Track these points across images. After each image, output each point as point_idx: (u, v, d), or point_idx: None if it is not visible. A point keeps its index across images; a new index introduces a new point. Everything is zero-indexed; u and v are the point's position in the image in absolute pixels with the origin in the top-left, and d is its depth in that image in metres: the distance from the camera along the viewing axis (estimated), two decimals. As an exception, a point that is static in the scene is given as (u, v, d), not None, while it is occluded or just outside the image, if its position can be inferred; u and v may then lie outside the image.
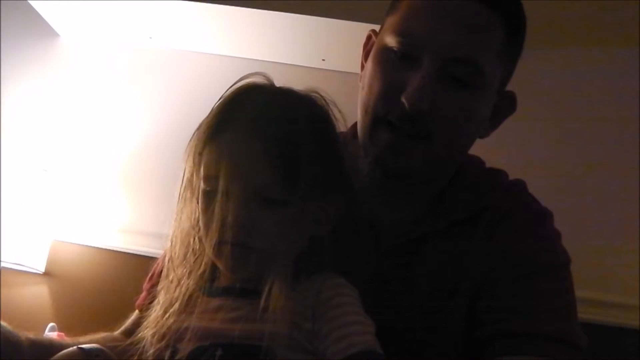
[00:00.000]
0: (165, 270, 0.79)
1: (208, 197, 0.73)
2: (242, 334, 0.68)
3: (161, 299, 0.77)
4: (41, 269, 1.89)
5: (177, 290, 0.76)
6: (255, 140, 0.71)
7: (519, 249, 0.87)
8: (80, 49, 2.18)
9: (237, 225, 0.70)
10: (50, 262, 1.92)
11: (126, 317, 0.98)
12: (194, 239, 0.77)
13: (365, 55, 0.93)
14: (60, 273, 1.95)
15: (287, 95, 0.78)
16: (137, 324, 0.91)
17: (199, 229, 0.75)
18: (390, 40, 0.84)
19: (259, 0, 1.83)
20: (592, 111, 1.94)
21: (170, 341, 0.72)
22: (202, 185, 0.74)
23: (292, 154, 0.71)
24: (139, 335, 0.77)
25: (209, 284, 0.76)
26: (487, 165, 0.99)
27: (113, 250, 1.95)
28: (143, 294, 0.94)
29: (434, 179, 0.90)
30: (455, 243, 0.88)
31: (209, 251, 0.74)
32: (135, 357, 0.76)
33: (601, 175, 1.88)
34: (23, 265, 1.85)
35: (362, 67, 0.93)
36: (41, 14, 2.07)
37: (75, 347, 0.74)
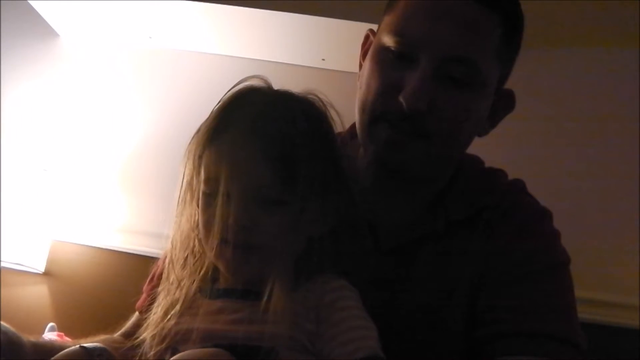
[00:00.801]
0: (165, 272, 0.80)
1: (208, 199, 0.73)
2: (244, 335, 0.68)
3: (161, 301, 0.78)
4: (41, 269, 1.89)
5: (178, 292, 0.76)
6: (254, 141, 0.72)
7: (519, 248, 0.87)
8: (80, 49, 2.18)
9: (238, 226, 0.71)
10: (50, 262, 1.92)
11: (126, 317, 0.98)
12: (194, 241, 0.77)
13: (364, 55, 0.93)
14: (60, 273, 1.95)
15: (284, 97, 0.79)
16: (137, 325, 0.91)
17: (199, 232, 0.76)
18: (388, 40, 0.84)
19: (259, 0, 1.83)
20: (592, 111, 1.94)
21: (171, 343, 0.73)
22: (202, 187, 0.74)
23: (291, 154, 0.72)
24: (140, 337, 0.77)
25: (210, 286, 0.76)
26: (487, 164, 0.99)
27: (113, 250, 1.95)
28: (143, 296, 0.94)
29: (432, 177, 0.90)
30: (454, 243, 0.88)
31: (209, 253, 0.74)
32: (136, 359, 0.77)
33: (601, 175, 1.88)
34: (23, 265, 1.85)
35: (360, 66, 0.93)
36: (41, 14, 2.07)
37: (77, 346, 0.75)
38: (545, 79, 1.96)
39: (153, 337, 0.74)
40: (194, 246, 0.77)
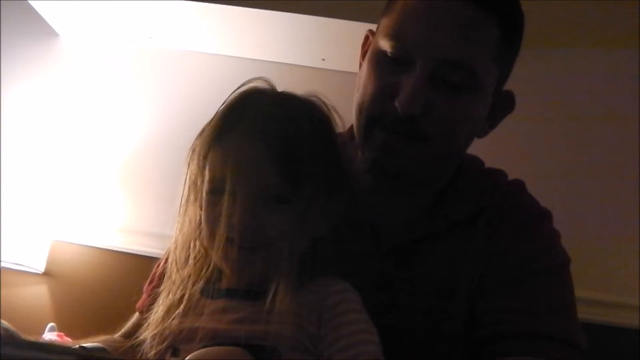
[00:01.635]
0: (167, 272, 0.80)
1: (213, 199, 0.74)
2: (247, 334, 0.69)
3: (163, 300, 0.78)
4: (41, 269, 1.89)
5: (179, 292, 0.77)
6: (259, 141, 0.72)
7: (519, 249, 0.86)
8: (80, 49, 2.17)
9: (243, 225, 0.71)
10: (50, 262, 1.92)
11: (126, 317, 0.98)
12: (196, 242, 0.77)
13: (363, 55, 0.93)
14: (60, 273, 1.95)
15: (289, 98, 0.80)
16: (138, 326, 0.91)
17: (201, 232, 0.76)
18: (384, 44, 0.84)
19: (259, 0, 1.83)
20: (592, 111, 1.94)
21: (172, 342, 0.73)
22: (207, 187, 0.74)
23: (295, 154, 0.73)
24: (141, 337, 0.77)
25: (212, 286, 0.76)
26: (487, 164, 0.99)
27: (113, 250, 1.95)
28: (143, 296, 0.94)
29: (432, 179, 0.90)
30: (454, 244, 0.88)
31: (213, 253, 0.74)
32: (137, 358, 0.77)
33: (601, 175, 1.88)
34: (23, 265, 1.85)
35: (360, 66, 0.93)
36: (41, 14, 2.07)
37: (77, 347, 0.75)
38: (545, 79, 1.96)
39: (153, 336, 0.75)
40: (196, 247, 0.77)
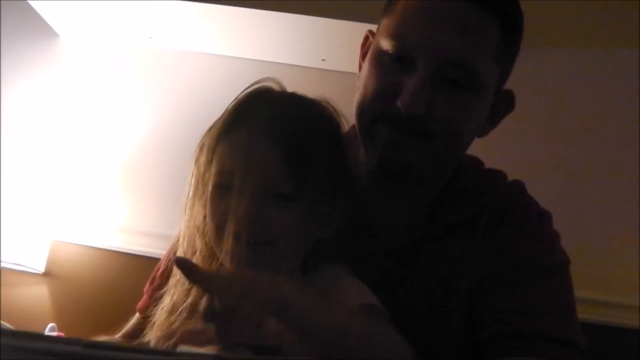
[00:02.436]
0: (174, 270, 0.80)
1: (219, 192, 0.74)
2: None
3: (168, 300, 0.78)
4: (41, 269, 1.89)
5: (184, 292, 0.77)
6: (269, 136, 0.73)
7: (519, 250, 0.87)
8: (80, 49, 2.17)
9: (248, 219, 0.71)
10: (50, 262, 1.92)
11: (126, 318, 0.97)
12: (200, 239, 0.77)
13: (363, 56, 0.93)
14: (60, 273, 1.95)
15: (300, 99, 0.81)
16: (138, 327, 0.91)
17: (205, 229, 0.76)
18: (385, 44, 0.83)
19: (259, 0, 1.83)
20: (592, 111, 1.94)
21: (176, 344, 0.73)
22: (213, 180, 0.75)
23: (305, 153, 0.73)
24: (146, 338, 0.77)
25: None
26: (487, 165, 0.99)
27: (113, 250, 1.95)
28: (144, 297, 0.94)
29: (433, 178, 0.90)
30: (454, 244, 0.88)
31: (216, 248, 0.75)
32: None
33: (601, 175, 1.88)
34: (23, 265, 1.85)
35: (360, 67, 0.93)
36: (41, 14, 2.07)
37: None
38: (545, 79, 1.96)
39: (158, 339, 0.75)
40: (200, 245, 0.77)
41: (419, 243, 0.88)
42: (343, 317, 0.66)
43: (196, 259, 0.78)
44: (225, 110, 0.79)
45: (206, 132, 0.80)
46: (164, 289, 0.81)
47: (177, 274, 0.78)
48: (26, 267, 1.86)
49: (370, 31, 0.94)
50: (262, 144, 0.73)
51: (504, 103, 0.91)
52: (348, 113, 0.86)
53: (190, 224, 0.78)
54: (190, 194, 0.79)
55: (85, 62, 2.16)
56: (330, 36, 1.91)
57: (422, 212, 0.90)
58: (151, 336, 0.76)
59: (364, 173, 0.87)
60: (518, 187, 0.95)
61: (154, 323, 0.78)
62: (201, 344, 0.70)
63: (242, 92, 0.81)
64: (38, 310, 1.92)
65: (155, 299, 0.82)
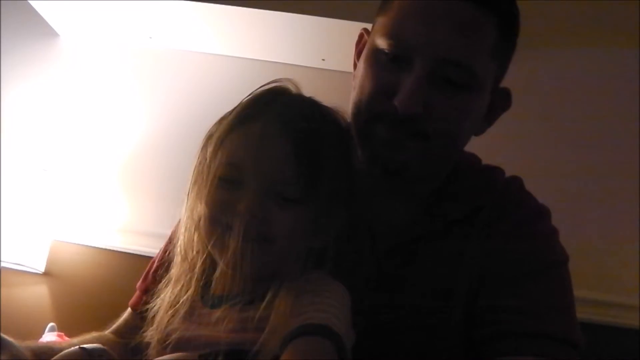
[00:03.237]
0: (173, 262, 0.79)
1: (222, 184, 0.73)
2: (240, 339, 0.68)
3: (163, 299, 0.77)
4: (41, 269, 1.89)
5: (179, 292, 0.76)
6: (281, 135, 0.72)
7: (518, 248, 0.86)
8: (80, 49, 2.17)
9: (248, 215, 0.70)
10: (50, 262, 1.92)
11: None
12: (196, 236, 0.76)
13: (358, 54, 0.92)
14: (60, 273, 1.95)
15: (316, 103, 0.80)
16: (130, 323, 0.91)
17: (201, 225, 0.75)
18: (382, 42, 0.83)
19: (259, 0, 1.83)
20: (592, 111, 1.94)
21: (173, 349, 0.72)
22: (218, 171, 0.73)
23: (316, 156, 0.72)
24: (144, 339, 0.77)
25: (209, 293, 0.75)
26: (484, 163, 0.99)
27: (113, 250, 1.95)
28: (137, 294, 0.94)
29: (431, 177, 0.90)
30: (452, 242, 0.88)
31: (207, 238, 0.73)
32: None
33: (601, 175, 1.88)
34: (23, 265, 1.85)
35: (355, 66, 0.93)
36: (41, 14, 2.07)
37: (77, 347, 0.74)
38: (545, 79, 1.96)
39: (156, 341, 0.74)
40: (196, 241, 0.76)
41: (417, 242, 0.88)
42: None
43: (191, 257, 0.77)
44: (239, 103, 0.78)
45: (216, 123, 0.78)
46: (158, 286, 0.80)
47: (174, 266, 0.78)
48: (26, 267, 1.86)
49: (365, 29, 0.93)
50: (274, 141, 0.72)
51: (501, 101, 0.91)
52: (348, 113, 0.86)
53: (190, 212, 0.77)
54: (192, 182, 0.77)
55: (85, 61, 2.16)
56: (330, 36, 1.91)
57: (420, 210, 0.90)
58: (150, 338, 0.76)
59: (360, 173, 0.86)
60: (516, 183, 0.95)
61: (154, 321, 0.77)
62: (192, 349, 0.70)
63: (258, 88, 0.79)
64: (38, 310, 1.92)
65: (148, 295, 0.82)
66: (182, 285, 0.76)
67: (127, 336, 0.87)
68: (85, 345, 0.74)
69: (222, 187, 0.72)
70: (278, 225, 0.71)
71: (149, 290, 0.86)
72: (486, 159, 0.98)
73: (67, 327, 1.75)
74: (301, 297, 0.69)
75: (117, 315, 0.96)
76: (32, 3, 2.01)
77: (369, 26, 0.94)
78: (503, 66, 0.88)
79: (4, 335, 0.71)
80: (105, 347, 0.76)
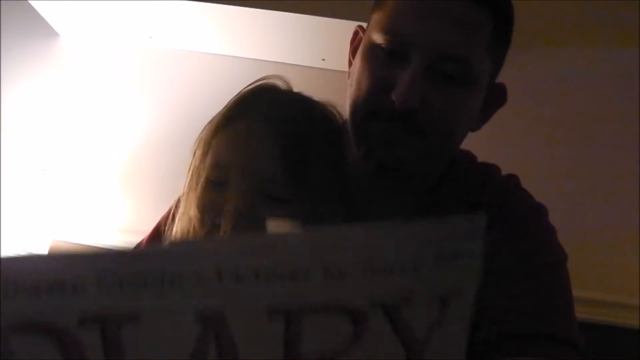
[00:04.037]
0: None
1: (210, 185, 0.72)
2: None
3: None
4: (41, 268, 1.89)
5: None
6: (268, 133, 0.71)
7: (515, 248, 0.86)
8: (80, 48, 2.18)
9: (235, 214, 0.69)
10: (50, 262, 1.91)
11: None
12: (193, 233, 0.76)
13: (353, 51, 0.92)
14: (60, 273, 1.94)
15: (306, 100, 0.79)
16: None
17: (193, 227, 0.75)
18: (378, 38, 0.83)
19: (259, 0, 1.83)
20: (592, 111, 1.94)
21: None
22: (206, 172, 0.73)
23: (304, 155, 0.72)
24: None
25: None
26: (480, 160, 0.98)
27: (113, 250, 1.95)
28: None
29: (427, 173, 0.90)
30: None
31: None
32: None
33: (601, 175, 1.88)
34: (23, 265, 1.85)
35: (350, 63, 0.93)
36: (41, 14, 2.07)
37: None
38: (545, 79, 1.96)
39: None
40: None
41: None
42: None
43: None
44: (227, 103, 0.78)
45: (205, 125, 0.78)
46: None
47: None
48: (26, 267, 1.86)
49: (360, 26, 0.93)
50: (261, 140, 0.71)
51: (496, 97, 0.91)
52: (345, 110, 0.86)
53: (185, 217, 0.77)
54: (186, 187, 0.77)
55: (85, 61, 2.16)
56: (330, 36, 1.91)
57: (415, 209, 0.90)
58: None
59: (355, 171, 0.86)
60: (513, 181, 0.94)
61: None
62: None
63: (245, 87, 0.79)
64: (38, 310, 1.92)
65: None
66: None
67: None
68: None
69: (210, 189, 0.72)
70: (264, 224, 0.71)
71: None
72: (486, 159, 0.98)
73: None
74: None
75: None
76: (32, 3, 2.01)
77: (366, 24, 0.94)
78: (498, 62, 0.88)
79: None
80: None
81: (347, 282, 0.38)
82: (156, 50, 2.15)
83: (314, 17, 1.84)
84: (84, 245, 1.96)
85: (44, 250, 1.88)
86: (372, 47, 0.84)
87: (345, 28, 1.83)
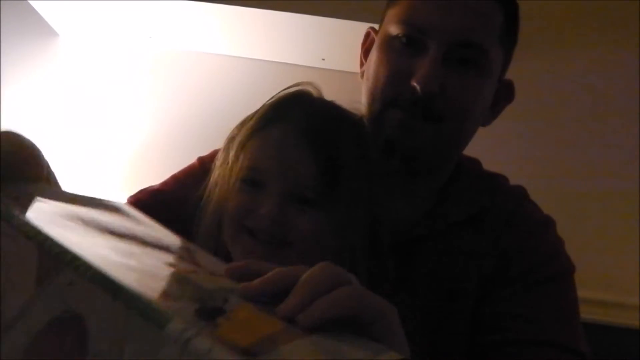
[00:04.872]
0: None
1: (244, 188, 0.73)
2: None
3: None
4: (41, 268, 1.89)
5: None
6: (305, 138, 0.72)
7: (524, 258, 0.87)
8: (79, 48, 2.17)
9: (269, 218, 0.70)
10: (50, 262, 1.91)
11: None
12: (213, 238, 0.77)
13: (364, 53, 0.94)
14: (60, 273, 1.94)
15: (339, 108, 0.81)
16: None
17: (224, 227, 0.75)
18: (395, 29, 0.85)
19: (259, 0, 1.83)
20: (592, 111, 1.94)
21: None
22: (240, 175, 0.74)
23: (339, 161, 0.73)
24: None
25: None
26: (487, 164, 0.99)
27: (113, 250, 1.95)
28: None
29: (439, 166, 0.91)
30: (456, 243, 0.88)
31: (230, 242, 0.74)
32: None
33: (601, 175, 1.88)
34: (23, 265, 1.85)
35: (361, 64, 0.94)
36: (41, 14, 2.07)
37: None
38: (545, 79, 1.96)
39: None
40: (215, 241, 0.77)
41: (419, 241, 0.88)
42: None
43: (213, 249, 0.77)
44: (262, 106, 0.79)
45: (237, 125, 0.79)
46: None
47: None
48: (26, 266, 1.86)
49: (372, 28, 0.95)
50: (296, 145, 0.72)
51: (505, 92, 0.93)
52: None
53: (208, 219, 0.78)
54: (213, 182, 0.78)
55: (85, 61, 2.16)
56: (330, 36, 1.91)
57: (422, 209, 0.90)
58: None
59: (377, 173, 0.87)
60: (521, 192, 0.95)
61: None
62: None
63: (279, 91, 0.81)
64: (38, 310, 1.92)
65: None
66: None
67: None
68: None
69: (243, 191, 0.73)
70: (297, 229, 0.72)
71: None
72: (486, 159, 0.98)
73: (67, 327, 1.75)
74: None
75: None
76: (32, 3, 2.01)
77: (369, 26, 0.96)
78: (508, 56, 0.91)
79: None
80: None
81: None
82: (156, 50, 2.15)
83: (314, 17, 1.84)
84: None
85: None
86: (390, 39, 0.86)
87: (345, 28, 1.83)
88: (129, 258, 0.41)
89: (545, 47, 1.93)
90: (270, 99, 0.80)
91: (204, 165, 0.92)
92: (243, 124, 0.79)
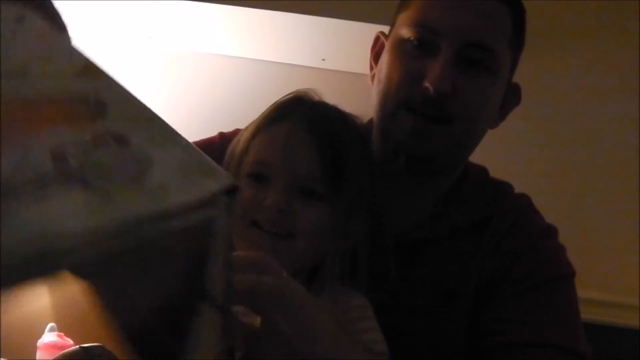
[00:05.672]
0: None
1: (250, 182, 0.76)
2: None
3: None
4: (41, 269, 1.89)
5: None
6: (309, 132, 0.75)
7: (525, 263, 0.87)
8: (79, 48, 2.17)
9: (274, 209, 0.72)
10: (50, 262, 1.91)
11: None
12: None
13: (375, 57, 0.95)
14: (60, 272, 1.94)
15: (338, 108, 0.84)
16: None
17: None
18: (407, 32, 0.87)
19: (259, 0, 1.83)
20: (592, 111, 1.94)
21: None
22: (247, 169, 0.77)
23: (342, 156, 0.75)
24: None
25: None
26: (487, 164, 0.99)
27: (113, 250, 1.95)
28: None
29: (449, 169, 0.91)
30: (458, 248, 0.88)
31: (239, 236, 0.75)
32: None
33: (601, 175, 1.88)
34: (23, 265, 1.85)
35: (371, 68, 0.95)
36: (41, 14, 2.07)
37: (77, 347, 0.75)
38: (545, 79, 1.96)
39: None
40: None
41: (422, 244, 0.88)
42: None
43: None
44: (266, 109, 0.82)
45: (242, 131, 0.82)
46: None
47: None
48: (26, 267, 1.86)
49: (382, 32, 0.96)
50: (301, 141, 0.75)
51: (512, 95, 0.94)
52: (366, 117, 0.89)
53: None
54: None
55: (85, 62, 2.16)
56: (330, 36, 1.91)
57: (427, 211, 0.91)
58: None
59: (380, 173, 0.88)
60: (525, 200, 0.96)
61: None
62: None
63: (280, 98, 0.83)
64: (38, 310, 1.92)
65: None
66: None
67: None
68: (84, 345, 0.75)
69: (250, 186, 0.75)
70: (302, 221, 0.73)
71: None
72: (486, 158, 0.98)
73: (67, 327, 1.75)
74: (347, 326, 0.72)
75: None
76: (32, 3, 2.01)
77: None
78: (515, 59, 0.92)
79: None
80: (104, 346, 0.76)
81: None
82: (156, 50, 2.15)
83: (314, 17, 1.84)
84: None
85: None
86: (402, 42, 0.88)
87: (345, 28, 1.83)
88: None
89: (546, 47, 1.93)
90: (275, 102, 0.83)
91: (223, 141, 0.93)
92: (248, 126, 0.82)
